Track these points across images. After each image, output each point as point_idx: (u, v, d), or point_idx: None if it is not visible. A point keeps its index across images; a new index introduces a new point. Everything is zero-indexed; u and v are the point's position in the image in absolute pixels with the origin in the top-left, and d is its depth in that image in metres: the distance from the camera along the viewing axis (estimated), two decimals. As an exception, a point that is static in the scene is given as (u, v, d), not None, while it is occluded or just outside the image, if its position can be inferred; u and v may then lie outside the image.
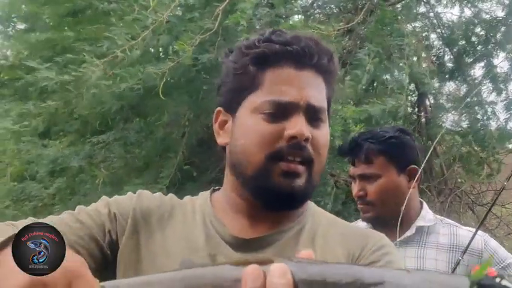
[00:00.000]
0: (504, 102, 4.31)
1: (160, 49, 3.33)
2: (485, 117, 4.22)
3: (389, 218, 1.47)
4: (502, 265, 1.44)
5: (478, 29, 4.28)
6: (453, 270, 1.42)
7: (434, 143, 3.22)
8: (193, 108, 3.41)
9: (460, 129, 4.72)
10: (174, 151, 3.27)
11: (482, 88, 4.14)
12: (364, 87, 2.79)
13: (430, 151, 1.95)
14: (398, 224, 1.42)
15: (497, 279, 0.40)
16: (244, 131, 0.77)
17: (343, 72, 3.21)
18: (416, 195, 1.58)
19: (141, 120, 3.51)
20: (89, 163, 3.40)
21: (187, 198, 0.88)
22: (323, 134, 0.78)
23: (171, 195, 0.88)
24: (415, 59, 4.14)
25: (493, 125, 4.47)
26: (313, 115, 0.76)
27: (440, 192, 4.45)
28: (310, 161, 0.75)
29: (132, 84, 2.79)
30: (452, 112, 4.48)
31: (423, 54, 4.36)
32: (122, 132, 3.38)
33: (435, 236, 1.50)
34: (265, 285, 0.42)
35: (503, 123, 4.45)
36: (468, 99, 3.49)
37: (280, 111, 0.74)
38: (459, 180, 4.85)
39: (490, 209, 1.90)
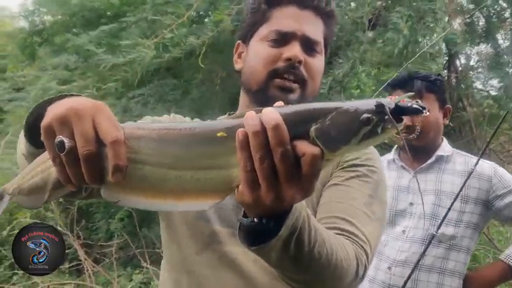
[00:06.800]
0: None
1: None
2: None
3: (424, 146, 1.72)
4: (508, 188, 1.68)
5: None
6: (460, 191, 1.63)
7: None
8: (225, 67, 3.55)
9: (490, 88, 4.76)
10: (210, 108, 3.47)
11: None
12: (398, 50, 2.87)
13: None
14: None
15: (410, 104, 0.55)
16: (253, 55, 0.97)
17: (376, 34, 3.31)
18: (442, 131, 1.81)
19: (176, 79, 3.69)
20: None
21: None
22: (317, 62, 0.96)
23: None
24: (446, 19, 4.17)
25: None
26: (308, 45, 0.94)
27: (470, 151, 4.52)
28: (303, 81, 0.93)
29: (175, 54, 3.00)
30: (483, 72, 4.53)
31: (458, 20, 4.37)
32: (157, 88, 3.59)
33: (452, 164, 1.74)
34: (262, 122, 0.54)
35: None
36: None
37: (281, 39, 0.93)
38: (488, 139, 4.90)
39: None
